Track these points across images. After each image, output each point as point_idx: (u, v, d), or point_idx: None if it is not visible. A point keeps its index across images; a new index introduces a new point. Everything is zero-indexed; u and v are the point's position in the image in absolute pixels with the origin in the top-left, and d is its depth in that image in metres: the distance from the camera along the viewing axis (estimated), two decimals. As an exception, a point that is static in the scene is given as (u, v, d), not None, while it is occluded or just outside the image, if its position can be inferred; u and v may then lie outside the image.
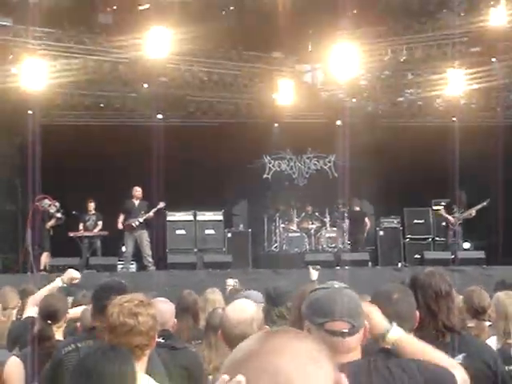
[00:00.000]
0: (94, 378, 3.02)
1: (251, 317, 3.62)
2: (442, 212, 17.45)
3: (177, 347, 4.85)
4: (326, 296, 2.75)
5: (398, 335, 2.97)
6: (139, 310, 3.48)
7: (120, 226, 16.54)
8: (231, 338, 3.51)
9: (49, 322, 5.16)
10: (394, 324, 3.01)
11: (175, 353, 4.72)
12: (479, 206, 16.95)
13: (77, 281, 6.08)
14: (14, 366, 4.58)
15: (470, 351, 3.90)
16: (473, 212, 17.05)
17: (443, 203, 17.74)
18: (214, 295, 7.47)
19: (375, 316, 3.02)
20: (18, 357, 4.73)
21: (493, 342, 5.21)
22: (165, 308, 5.05)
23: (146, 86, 18.69)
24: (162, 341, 4.62)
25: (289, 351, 1.38)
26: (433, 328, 3.79)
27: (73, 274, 6.07)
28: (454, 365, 2.91)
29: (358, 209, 18.65)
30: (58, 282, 5.95)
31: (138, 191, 16.66)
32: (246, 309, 3.72)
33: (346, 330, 2.67)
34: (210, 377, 4.82)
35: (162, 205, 16.68)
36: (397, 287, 3.60)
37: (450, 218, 17.07)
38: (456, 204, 17.17)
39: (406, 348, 2.91)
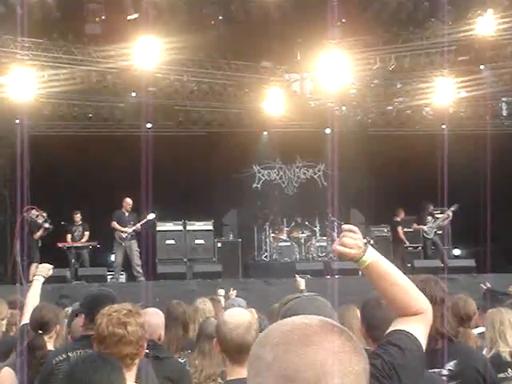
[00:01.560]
0: (83, 388, 2.99)
1: (248, 321, 3.62)
2: (415, 225, 17.54)
3: (160, 357, 4.81)
4: (297, 305, 2.78)
5: (372, 257, 2.72)
6: (128, 319, 3.47)
7: (114, 224, 16.44)
8: (228, 342, 3.50)
9: (40, 331, 5.14)
10: (369, 246, 2.77)
11: (158, 363, 4.68)
12: (449, 213, 17.10)
13: (51, 272, 6.21)
14: (7, 375, 4.58)
15: (461, 358, 3.92)
16: (442, 220, 17.20)
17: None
18: (205, 305, 7.44)
19: (349, 239, 2.74)
20: (10, 367, 4.73)
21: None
22: (152, 319, 5.00)
23: (134, 95, 18.68)
24: (146, 351, 4.59)
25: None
26: (426, 334, 3.77)
27: (47, 266, 6.20)
28: (418, 296, 2.77)
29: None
30: (40, 280, 6.02)
31: (128, 204, 16.63)
32: (243, 314, 3.74)
33: None
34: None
35: (151, 216, 16.62)
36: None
37: (423, 227, 17.16)
38: (427, 215, 17.31)
39: (378, 269, 2.70)
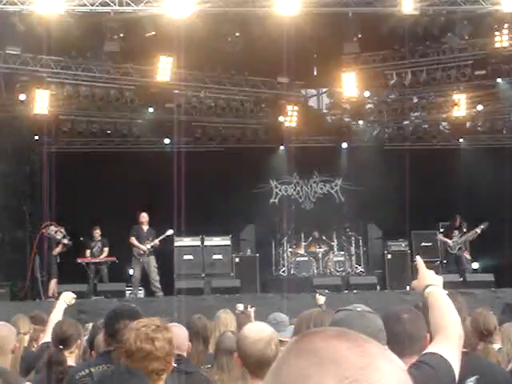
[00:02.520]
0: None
1: (269, 336, 3.61)
2: (440, 236, 17.38)
3: (189, 372, 4.82)
4: (347, 319, 2.77)
5: (432, 290, 3.22)
6: (156, 335, 3.46)
7: (133, 240, 16.40)
8: (249, 356, 3.49)
9: (61, 347, 5.16)
10: (438, 283, 3.27)
11: (188, 377, 4.70)
12: (478, 230, 16.89)
13: (73, 301, 6.31)
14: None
15: (483, 372, 3.90)
16: (469, 237, 17.02)
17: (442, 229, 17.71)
18: (227, 315, 7.41)
19: (422, 271, 3.38)
20: (32, 382, 4.75)
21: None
22: (178, 332, 5.01)
23: (152, 111, 18.82)
24: (175, 365, 4.60)
25: None
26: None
27: (70, 294, 6.31)
28: (458, 321, 3.05)
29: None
30: (63, 305, 6.11)
31: (144, 217, 16.66)
32: (263, 328, 3.71)
33: None
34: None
35: (170, 232, 16.65)
36: (407, 309, 3.61)
37: (448, 241, 17.01)
38: (454, 228, 17.14)
39: (432, 301, 3.17)
